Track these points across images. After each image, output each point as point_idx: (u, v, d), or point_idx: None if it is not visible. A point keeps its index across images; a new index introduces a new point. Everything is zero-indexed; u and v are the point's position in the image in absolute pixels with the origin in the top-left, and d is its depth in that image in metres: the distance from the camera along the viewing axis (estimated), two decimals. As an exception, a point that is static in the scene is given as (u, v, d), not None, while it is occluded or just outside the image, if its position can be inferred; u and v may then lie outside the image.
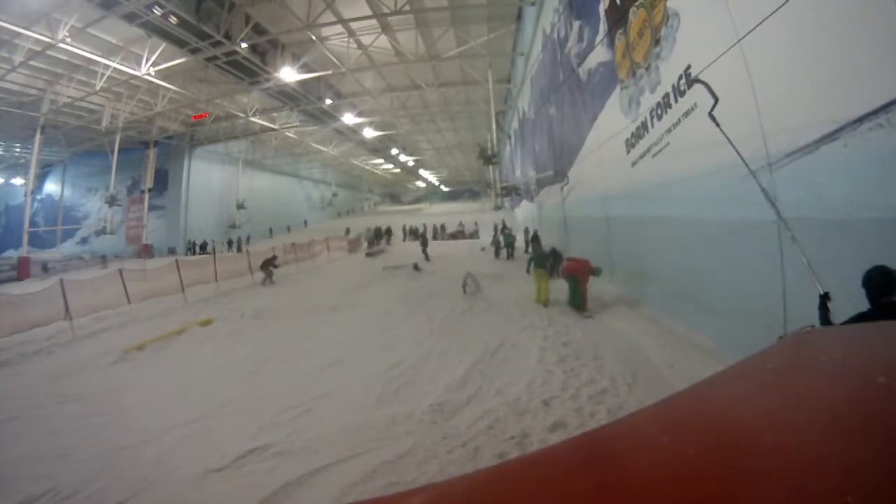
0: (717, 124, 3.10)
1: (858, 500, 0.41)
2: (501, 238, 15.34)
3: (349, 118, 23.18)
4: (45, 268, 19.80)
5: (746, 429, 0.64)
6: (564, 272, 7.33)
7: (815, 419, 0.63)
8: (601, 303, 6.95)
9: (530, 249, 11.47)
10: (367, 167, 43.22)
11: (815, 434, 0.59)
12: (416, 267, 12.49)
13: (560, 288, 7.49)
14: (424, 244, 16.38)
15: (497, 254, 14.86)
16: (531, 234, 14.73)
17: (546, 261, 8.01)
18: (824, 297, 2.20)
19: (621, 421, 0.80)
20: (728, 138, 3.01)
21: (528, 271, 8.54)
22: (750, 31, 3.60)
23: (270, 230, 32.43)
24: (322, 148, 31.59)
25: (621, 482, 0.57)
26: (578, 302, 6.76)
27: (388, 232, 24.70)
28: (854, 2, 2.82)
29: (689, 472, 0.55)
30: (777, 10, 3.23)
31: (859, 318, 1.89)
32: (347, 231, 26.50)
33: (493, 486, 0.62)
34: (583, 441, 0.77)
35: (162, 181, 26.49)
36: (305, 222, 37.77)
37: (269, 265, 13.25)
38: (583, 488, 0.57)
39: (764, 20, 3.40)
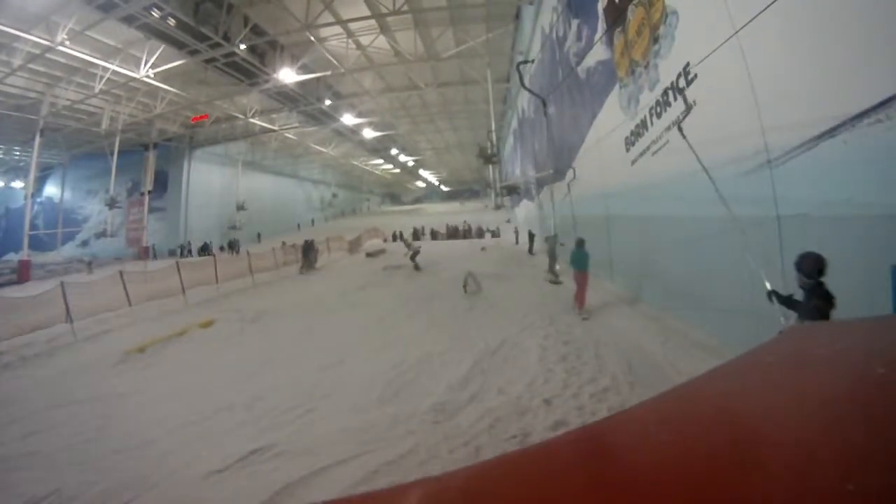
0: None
1: (859, 489, 0.41)
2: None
3: (348, 119, 23.19)
4: (90, 266, 20.82)
5: (747, 421, 0.64)
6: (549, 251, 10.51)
7: (815, 411, 0.63)
8: (604, 303, 6.96)
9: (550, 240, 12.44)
10: (366, 168, 43.23)
11: (816, 425, 0.59)
12: (416, 267, 12.49)
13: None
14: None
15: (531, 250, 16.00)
16: (552, 234, 15.75)
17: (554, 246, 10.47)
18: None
19: (621, 414, 0.80)
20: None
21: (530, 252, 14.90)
22: (745, 25, 3.60)
23: (298, 226, 36.27)
24: (322, 149, 31.61)
25: (621, 475, 0.58)
26: (553, 272, 9.85)
27: (407, 234, 24.87)
28: (852, -2, 2.82)
29: (690, 465, 0.55)
30: (772, 3, 3.23)
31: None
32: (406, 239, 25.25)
33: (491, 479, 0.62)
34: (582, 434, 0.78)
35: (162, 183, 26.49)
36: (313, 221, 40.68)
37: (309, 252, 15.25)
38: (582, 481, 0.57)
39: (760, 13, 3.40)
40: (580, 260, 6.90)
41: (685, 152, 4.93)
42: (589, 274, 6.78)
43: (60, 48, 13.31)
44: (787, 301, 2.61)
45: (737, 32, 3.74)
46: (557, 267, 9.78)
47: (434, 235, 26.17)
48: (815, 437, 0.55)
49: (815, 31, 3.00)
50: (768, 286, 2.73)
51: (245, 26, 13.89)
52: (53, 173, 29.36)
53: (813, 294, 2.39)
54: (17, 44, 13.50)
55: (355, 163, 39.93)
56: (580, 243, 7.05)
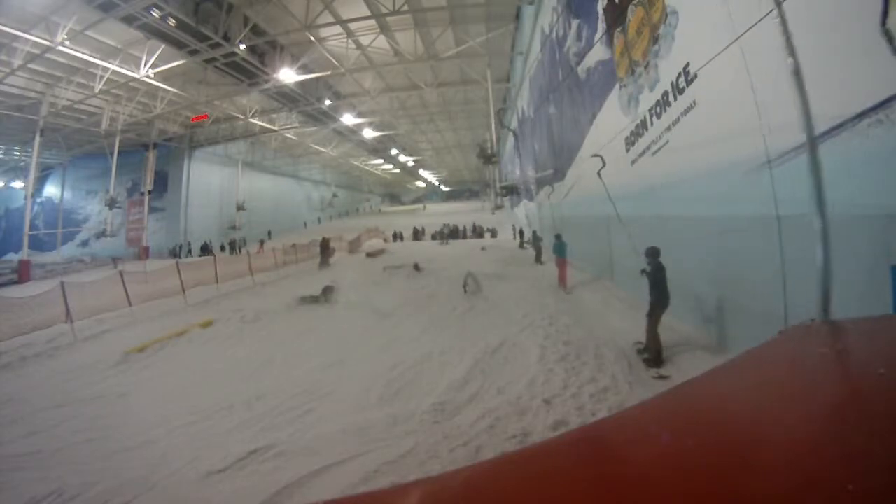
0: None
1: (859, 488, 0.41)
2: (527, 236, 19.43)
3: (348, 119, 23.17)
4: (115, 262, 21.56)
5: (748, 420, 0.64)
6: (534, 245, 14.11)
7: (815, 410, 0.63)
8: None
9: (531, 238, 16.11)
10: (366, 167, 43.22)
11: (816, 425, 0.59)
12: (416, 267, 12.50)
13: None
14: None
15: (522, 245, 18.77)
16: (532, 231, 17.96)
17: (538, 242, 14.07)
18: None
19: (621, 414, 0.80)
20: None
21: (521, 246, 17.73)
22: (746, 31, 3.60)
23: (305, 224, 37.76)
24: (322, 149, 31.58)
25: (621, 475, 0.57)
26: (539, 259, 12.82)
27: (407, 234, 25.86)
28: (852, -2, 2.81)
29: (690, 465, 0.55)
30: (775, 6, 3.23)
31: None
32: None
33: (491, 479, 0.62)
34: (582, 434, 0.78)
35: (162, 183, 26.45)
36: (319, 219, 41.97)
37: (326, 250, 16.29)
38: (582, 481, 0.57)
39: (761, 19, 3.39)
40: (559, 249, 9.07)
41: (685, 152, 4.96)
42: (567, 260, 8.92)
43: (60, 48, 13.28)
44: (644, 272, 4.50)
45: (738, 38, 3.73)
46: (543, 257, 12.89)
47: (435, 236, 26.22)
48: (815, 436, 0.55)
49: (815, 31, 3.00)
50: (646, 266, 4.50)
51: (245, 26, 13.88)
52: (53, 173, 29.32)
53: (653, 267, 4.38)
54: (17, 44, 13.47)
55: (355, 163, 39.90)
56: (558, 237, 9.24)
